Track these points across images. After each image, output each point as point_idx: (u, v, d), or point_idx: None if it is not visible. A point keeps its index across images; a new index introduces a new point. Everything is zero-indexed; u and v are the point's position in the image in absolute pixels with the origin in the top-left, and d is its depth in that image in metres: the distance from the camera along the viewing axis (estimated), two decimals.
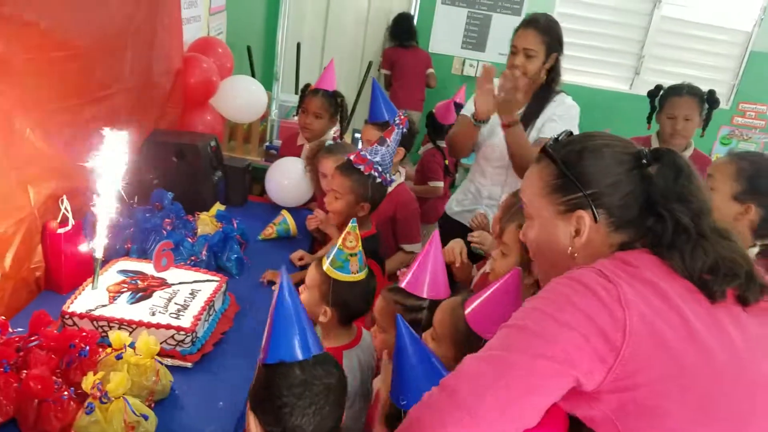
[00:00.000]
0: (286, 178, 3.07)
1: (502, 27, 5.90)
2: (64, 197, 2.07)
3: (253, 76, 4.12)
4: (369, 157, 2.21)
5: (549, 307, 1.08)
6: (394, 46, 5.94)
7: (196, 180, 2.84)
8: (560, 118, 2.67)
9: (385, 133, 2.25)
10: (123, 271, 2.13)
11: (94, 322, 1.85)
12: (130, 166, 2.00)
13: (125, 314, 1.88)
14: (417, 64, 5.86)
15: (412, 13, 6.15)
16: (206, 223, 2.59)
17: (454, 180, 4.28)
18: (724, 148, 6.30)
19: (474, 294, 1.56)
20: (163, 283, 2.09)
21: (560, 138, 1.24)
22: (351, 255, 1.81)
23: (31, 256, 2.06)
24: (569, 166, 1.18)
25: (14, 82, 1.83)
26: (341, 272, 1.81)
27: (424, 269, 1.74)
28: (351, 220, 1.86)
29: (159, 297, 2.00)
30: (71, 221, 2.09)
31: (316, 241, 2.90)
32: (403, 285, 1.75)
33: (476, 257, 2.41)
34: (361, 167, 2.20)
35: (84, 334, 1.69)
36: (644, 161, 1.16)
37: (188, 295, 2.04)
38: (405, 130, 2.33)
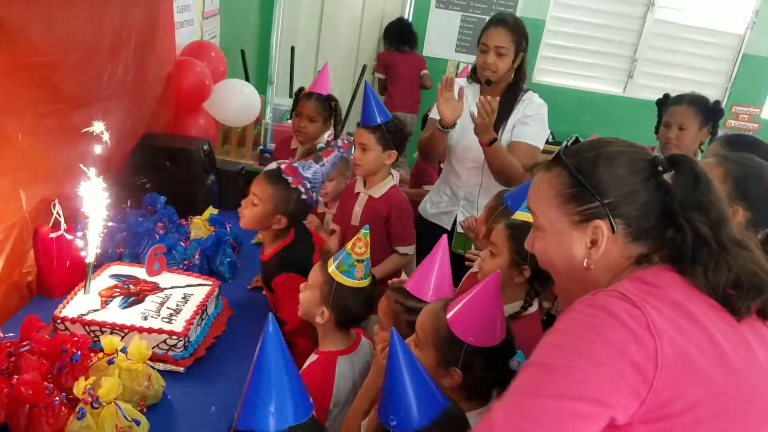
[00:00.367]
0: None
1: None
2: (56, 201, 2.06)
3: (247, 79, 4.12)
4: (300, 170, 2.10)
5: (576, 342, 1.01)
6: (390, 49, 5.94)
7: (189, 184, 2.83)
8: (531, 119, 2.71)
9: (324, 152, 2.19)
10: (115, 276, 2.12)
11: (86, 327, 1.84)
12: (121, 170, 1.99)
13: (117, 319, 1.87)
14: (411, 68, 5.87)
15: (406, 17, 6.16)
16: (199, 227, 2.58)
17: None
18: None
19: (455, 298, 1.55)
20: (156, 288, 2.08)
21: (570, 145, 1.20)
22: (358, 261, 1.81)
23: (22, 261, 2.05)
24: (584, 175, 1.13)
25: (4, 86, 1.83)
26: (346, 276, 1.81)
27: (430, 273, 1.74)
28: (364, 227, 1.84)
29: (151, 301, 2.00)
30: (63, 225, 2.09)
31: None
32: (407, 287, 1.75)
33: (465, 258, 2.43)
34: (290, 179, 2.09)
35: (76, 338, 1.69)
36: (660, 168, 1.12)
37: (181, 299, 2.03)
38: (345, 155, 2.29)
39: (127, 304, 1.96)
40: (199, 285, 2.15)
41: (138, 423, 1.53)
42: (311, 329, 2.00)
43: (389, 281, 2.12)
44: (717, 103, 2.92)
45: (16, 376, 1.53)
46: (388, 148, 2.52)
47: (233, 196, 3.11)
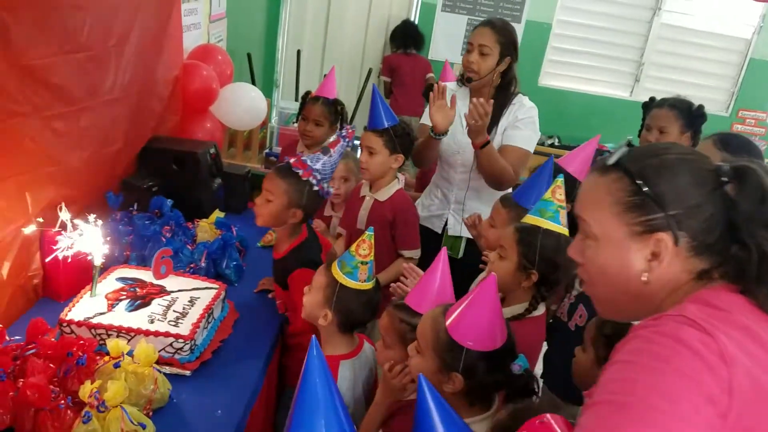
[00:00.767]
0: None
1: None
2: (63, 204, 2.06)
3: (253, 83, 4.13)
4: (309, 163, 2.13)
5: (647, 376, 0.92)
6: (395, 52, 5.94)
7: (196, 187, 2.83)
8: (522, 122, 2.69)
9: (330, 143, 2.22)
10: (122, 279, 2.12)
11: (92, 330, 1.84)
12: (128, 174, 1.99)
13: (124, 322, 1.87)
14: (417, 71, 5.86)
15: (411, 19, 6.16)
16: (205, 230, 2.58)
17: None
18: None
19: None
20: (162, 291, 2.08)
21: (630, 150, 1.10)
22: (362, 263, 1.80)
23: (29, 264, 2.05)
24: (648, 183, 1.05)
25: (11, 89, 1.83)
26: (350, 278, 1.80)
27: (431, 287, 1.71)
28: (368, 228, 1.84)
29: (158, 305, 1.99)
30: (70, 228, 2.08)
31: None
32: (408, 302, 1.72)
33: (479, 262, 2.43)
34: (300, 172, 2.13)
35: (82, 342, 1.68)
36: (725, 179, 1.04)
37: (187, 302, 2.03)
38: (350, 144, 2.31)
39: (134, 307, 1.96)
40: (206, 288, 2.14)
41: (144, 427, 1.52)
42: (317, 331, 2.00)
43: (391, 287, 2.12)
44: (700, 107, 2.79)
45: (21, 380, 1.52)
46: (395, 152, 2.51)
47: (239, 200, 3.13)
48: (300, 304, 2.01)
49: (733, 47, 6.23)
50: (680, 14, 6.12)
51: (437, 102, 2.58)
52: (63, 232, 2.06)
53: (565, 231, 1.84)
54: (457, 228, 2.81)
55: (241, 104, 3.45)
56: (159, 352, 1.76)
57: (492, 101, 2.49)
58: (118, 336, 1.82)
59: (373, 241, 1.81)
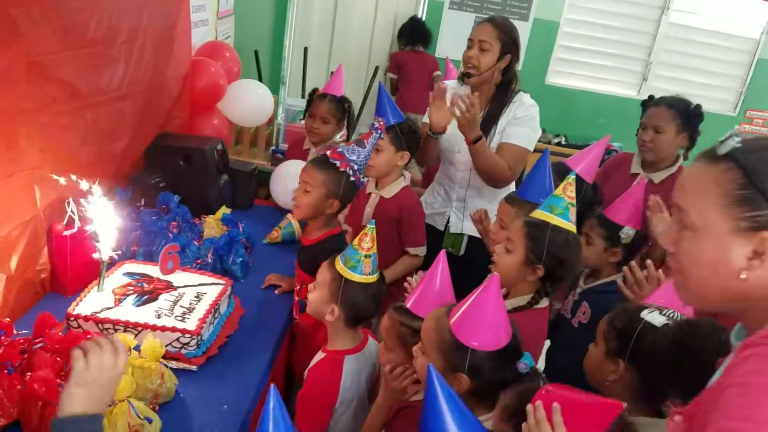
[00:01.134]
0: (292, 182, 3.06)
1: None
2: (71, 199, 2.07)
3: (260, 80, 4.13)
4: (347, 154, 2.17)
5: None
6: (402, 49, 5.94)
7: (203, 183, 2.84)
8: (521, 120, 2.67)
9: (363, 135, 2.24)
10: (129, 274, 2.13)
11: (100, 325, 1.85)
12: (135, 169, 1.99)
13: (131, 317, 1.87)
14: (423, 68, 5.85)
15: (419, 17, 6.15)
16: (212, 226, 2.59)
17: None
18: None
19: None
20: (169, 286, 2.08)
21: (743, 140, 1.01)
22: (365, 256, 1.81)
23: (36, 258, 2.06)
24: (760, 178, 0.98)
25: (19, 85, 1.84)
26: (354, 272, 1.81)
27: (431, 290, 1.70)
28: (370, 222, 1.85)
29: (165, 300, 2.00)
30: (77, 223, 2.09)
31: None
32: (408, 305, 1.72)
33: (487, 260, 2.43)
34: (337, 163, 2.16)
35: (89, 336, 1.69)
36: None
37: (194, 298, 2.04)
38: (382, 135, 2.32)
39: (141, 302, 1.97)
40: (212, 284, 2.15)
41: (150, 421, 1.53)
42: None
43: (405, 282, 2.12)
44: (697, 107, 2.71)
45: (29, 373, 1.53)
46: (401, 149, 2.52)
47: (246, 196, 3.13)
48: None
49: (742, 47, 6.20)
50: (689, 13, 6.10)
51: (436, 102, 2.59)
52: (70, 227, 2.07)
53: (573, 228, 1.84)
54: (459, 225, 2.81)
55: (248, 101, 3.46)
56: (166, 346, 1.77)
57: (477, 94, 2.48)
58: (125, 331, 1.83)
59: (374, 234, 1.82)
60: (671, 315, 1.47)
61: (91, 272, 2.09)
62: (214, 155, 2.86)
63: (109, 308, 1.91)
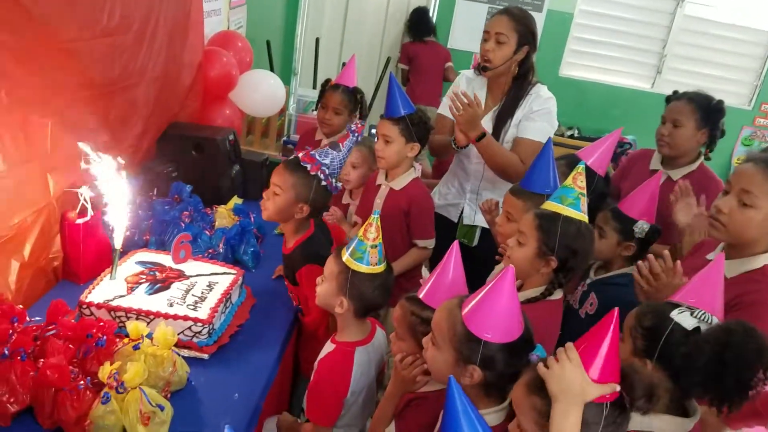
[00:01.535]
0: None
1: None
2: (84, 187, 2.08)
3: (271, 70, 4.13)
4: (318, 158, 2.10)
5: None
6: (412, 40, 5.92)
7: (215, 173, 2.85)
8: (537, 114, 2.64)
9: (340, 138, 2.19)
10: (141, 263, 2.14)
11: (112, 313, 1.86)
12: (148, 159, 2.00)
13: (143, 305, 1.88)
14: (435, 60, 5.82)
15: (431, 8, 6.12)
16: (224, 216, 2.59)
17: None
18: (746, 149, 6.22)
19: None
20: (181, 275, 2.09)
21: None
22: (372, 246, 1.80)
23: (49, 246, 2.07)
24: None
25: (34, 73, 1.84)
26: (360, 263, 1.80)
27: (444, 281, 1.69)
28: (374, 212, 1.83)
29: (177, 288, 2.01)
30: (90, 212, 2.10)
31: None
32: (420, 296, 1.71)
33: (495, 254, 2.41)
34: (308, 166, 2.09)
35: (101, 324, 1.70)
36: None
37: (205, 287, 2.04)
38: (360, 138, 2.28)
39: (153, 291, 1.97)
40: (224, 273, 2.15)
41: (162, 408, 1.53)
42: (332, 320, 2.00)
43: (421, 279, 2.11)
44: (719, 102, 2.63)
45: (41, 360, 1.54)
46: (411, 141, 2.50)
47: (257, 187, 3.13)
48: (311, 298, 2.01)
49: (757, 40, 6.14)
50: (703, 6, 6.04)
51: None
52: (83, 215, 2.08)
53: (584, 218, 1.81)
54: (472, 217, 2.80)
55: (260, 91, 3.46)
56: (178, 335, 1.77)
57: (475, 93, 2.47)
58: (137, 318, 1.84)
59: (379, 223, 1.80)
60: (702, 317, 1.42)
61: (104, 260, 2.10)
62: (226, 145, 2.87)
63: (121, 296, 1.92)
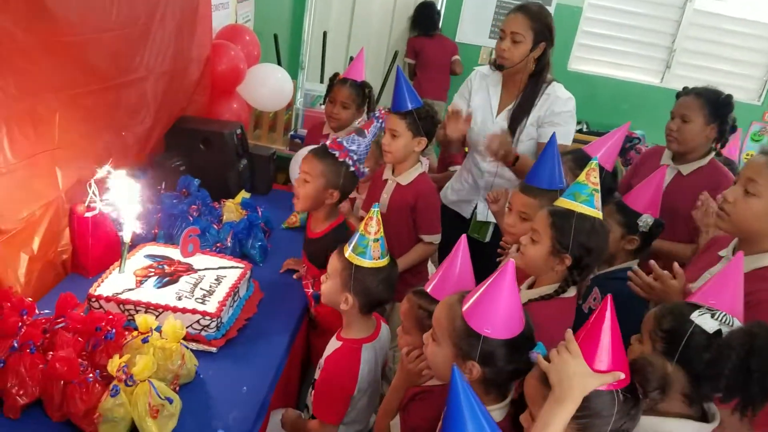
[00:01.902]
0: None
1: None
2: (92, 181, 2.08)
3: (279, 64, 4.12)
4: (345, 144, 2.15)
5: None
6: (418, 35, 5.90)
7: (222, 167, 2.85)
8: (560, 117, 2.63)
9: (364, 124, 2.22)
10: (150, 256, 2.15)
11: (121, 306, 1.87)
12: (156, 153, 2.00)
13: (152, 298, 1.89)
14: (441, 54, 5.80)
15: (438, 1, 6.09)
16: (231, 210, 2.60)
17: None
18: (755, 144, 6.18)
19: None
20: (189, 269, 2.10)
21: None
22: (373, 240, 1.79)
23: (58, 239, 2.08)
24: None
25: (43, 66, 1.84)
26: (363, 258, 1.80)
27: (451, 275, 1.68)
28: (374, 205, 1.83)
29: (185, 282, 2.01)
30: (99, 205, 2.11)
31: None
32: (428, 290, 1.70)
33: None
34: (336, 153, 2.14)
35: (110, 317, 1.70)
36: None
37: (214, 281, 2.05)
38: (383, 124, 2.30)
39: (162, 284, 1.98)
40: (232, 267, 2.16)
41: (171, 401, 1.54)
42: None
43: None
44: (728, 97, 2.60)
45: (51, 353, 1.55)
46: (418, 135, 2.48)
47: (265, 181, 3.14)
48: None
49: (767, 34, 6.09)
50: (713, 0, 5.99)
51: (450, 122, 2.59)
52: (92, 208, 2.09)
53: (599, 214, 1.79)
54: (486, 213, 2.80)
55: (268, 85, 3.45)
56: (186, 328, 1.78)
57: (507, 131, 2.49)
58: (146, 312, 1.85)
59: (380, 217, 1.80)
60: (723, 319, 1.40)
61: (112, 254, 2.11)
62: (234, 139, 2.87)
63: (130, 289, 1.93)
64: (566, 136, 2.63)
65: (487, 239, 2.81)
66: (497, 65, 2.66)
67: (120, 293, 1.90)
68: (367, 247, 1.80)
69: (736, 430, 1.45)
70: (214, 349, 1.88)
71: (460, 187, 2.90)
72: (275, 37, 4.35)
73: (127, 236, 2.00)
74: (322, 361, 1.93)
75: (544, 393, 1.25)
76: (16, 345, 1.52)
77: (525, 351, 1.38)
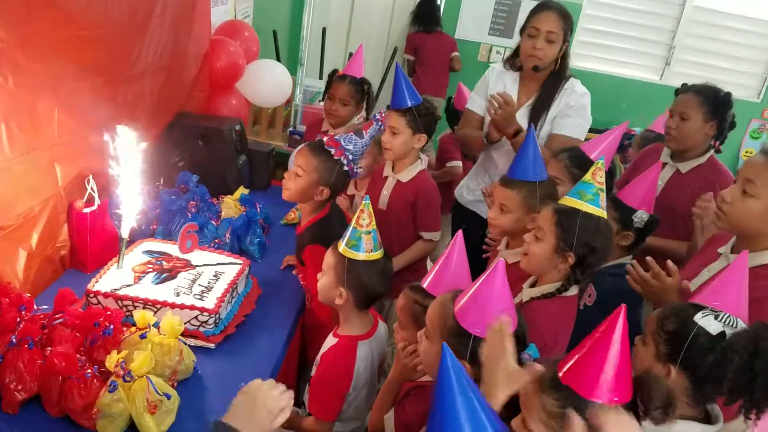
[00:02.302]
0: None
1: None
2: (91, 177, 2.08)
3: (278, 60, 4.11)
4: (342, 143, 2.15)
5: None
6: (418, 31, 5.89)
7: (221, 163, 2.85)
8: (573, 110, 2.63)
9: (364, 126, 2.21)
10: (148, 252, 2.15)
11: (119, 302, 1.87)
12: (154, 148, 1.99)
13: (150, 294, 1.89)
14: (440, 50, 5.80)
15: None
16: (230, 206, 2.60)
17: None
18: (754, 142, 6.19)
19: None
20: (188, 265, 2.10)
21: None
22: (365, 233, 1.80)
23: (56, 235, 2.08)
24: None
25: (41, 61, 1.84)
26: (355, 251, 1.80)
27: (447, 270, 1.69)
28: (365, 198, 1.83)
29: (183, 278, 2.01)
30: (97, 201, 2.11)
31: None
32: (424, 285, 1.71)
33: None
34: (333, 150, 2.14)
35: (108, 312, 1.71)
36: None
37: (212, 277, 2.05)
38: (383, 126, 2.30)
39: (160, 280, 1.98)
40: (230, 263, 2.16)
41: (169, 397, 1.54)
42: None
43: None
44: (727, 95, 2.59)
45: (49, 348, 1.55)
46: (417, 132, 2.49)
47: (263, 177, 3.14)
48: (313, 279, 2.02)
49: (767, 31, 6.08)
50: None
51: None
52: (90, 204, 2.09)
53: (603, 214, 1.79)
54: None
55: (267, 81, 3.44)
56: (184, 324, 1.78)
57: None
58: (144, 308, 1.85)
59: (371, 209, 1.81)
60: (727, 321, 1.40)
61: (111, 249, 2.11)
62: (233, 135, 2.86)
63: (128, 285, 1.93)
64: (577, 129, 2.63)
65: None
66: (533, 67, 2.62)
67: (118, 289, 1.90)
68: (360, 240, 1.80)
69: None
70: (212, 345, 1.88)
71: (476, 186, 2.88)
72: (274, 33, 4.34)
73: (125, 232, 2.00)
74: (318, 357, 1.93)
75: (541, 400, 1.19)
76: (14, 340, 1.52)
77: (517, 352, 1.38)
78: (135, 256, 2.10)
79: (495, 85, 2.77)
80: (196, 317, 1.86)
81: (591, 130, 5.87)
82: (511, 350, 1.26)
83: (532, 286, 1.90)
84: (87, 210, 2.09)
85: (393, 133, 2.48)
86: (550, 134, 2.63)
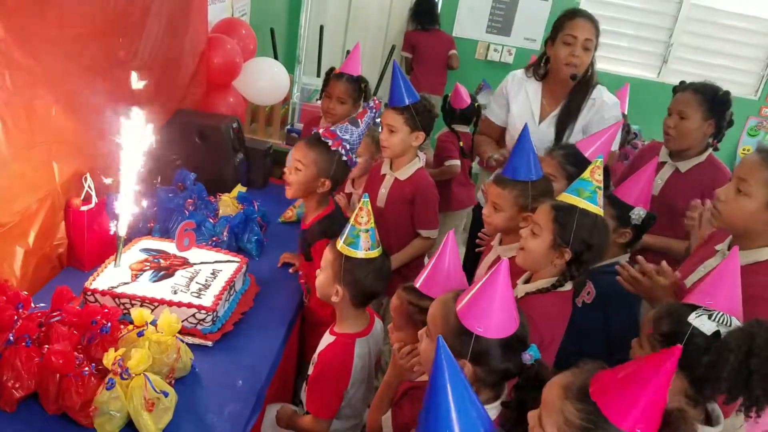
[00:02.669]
0: None
1: (529, 12, 5.79)
2: (88, 175, 2.08)
3: (275, 58, 4.11)
4: (339, 133, 2.16)
5: None
6: (415, 28, 5.89)
7: (219, 161, 2.84)
8: (608, 123, 2.57)
9: (358, 114, 2.22)
10: (145, 250, 2.15)
11: (116, 299, 1.87)
12: (153, 145, 1.99)
13: (147, 292, 1.89)
14: (438, 48, 5.79)
15: None
16: (228, 204, 2.60)
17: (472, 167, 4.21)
18: (752, 139, 6.19)
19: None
20: (185, 263, 2.10)
21: None
22: (364, 231, 1.80)
23: (54, 233, 2.08)
24: None
25: (39, 59, 1.84)
26: (353, 248, 1.80)
27: (440, 270, 1.69)
28: (364, 195, 1.83)
29: (181, 276, 2.01)
30: (94, 199, 2.11)
31: None
32: (417, 285, 1.71)
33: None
34: (330, 142, 2.15)
35: (106, 310, 1.71)
36: None
37: (209, 275, 2.05)
38: (378, 114, 2.30)
39: (157, 278, 1.98)
40: (228, 261, 2.16)
41: (166, 395, 1.54)
42: None
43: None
44: (725, 93, 2.59)
45: (46, 346, 1.55)
46: (415, 130, 2.49)
47: (261, 175, 3.14)
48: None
49: (764, 29, 6.07)
50: None
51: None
52: (87, 202, 2.08)
53: (600, 212, 1.80)
54: None
55: (264, 79, 3.44)
56: (182, 322, 1.78)
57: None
58: (141, 306, 1.85)
59: (370, 207, 1.81)
60: (721, 320, 1.40)
61: (108, 247, 2.11)
62: (230, 133, 2.86)
63: (125, 283, 1.93)
64: (617, 142, 2.62)
65: None
66: (571, 76, 2.61)
67: (116, 287, 1.90)
68: (358, 238, 1.80)
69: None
70: (209, 343, 1.88)
71: None
72: (272, 30, 4.33)
73: (122, 230, 2.00)
74: (315, 355, 1.93)
75: (564, 406, 1.14)
76: (11, 338, 1.52)
77: (518, 352, 1.38)
78: (132, 254, 2.10)
79: (516, 93, 2.77)
80: (193, 315, 1.86)
81: None
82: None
83: (526, 281, 1.90)
84: (84, 208, 2.10)
85: (390, 131, 2.48)
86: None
